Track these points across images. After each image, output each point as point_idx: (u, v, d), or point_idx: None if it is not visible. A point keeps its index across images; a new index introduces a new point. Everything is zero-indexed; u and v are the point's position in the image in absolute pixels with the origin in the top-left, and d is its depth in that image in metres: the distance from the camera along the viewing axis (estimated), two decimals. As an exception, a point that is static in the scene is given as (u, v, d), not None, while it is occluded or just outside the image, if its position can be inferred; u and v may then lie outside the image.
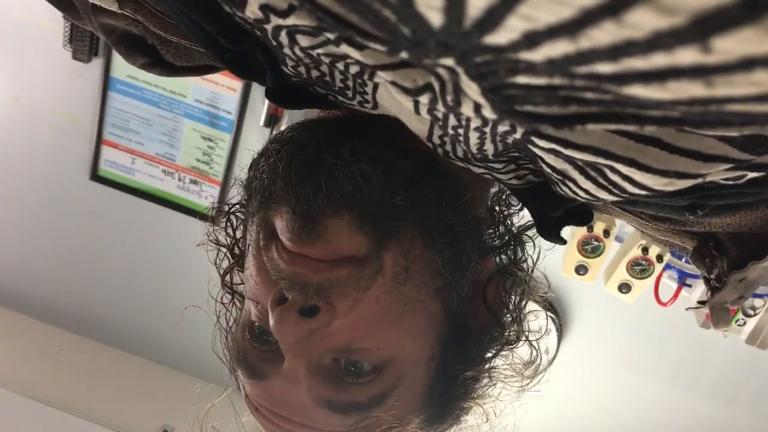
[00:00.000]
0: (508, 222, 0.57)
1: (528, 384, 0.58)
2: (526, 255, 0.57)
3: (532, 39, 0.23)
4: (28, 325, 2.42)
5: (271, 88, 0.46)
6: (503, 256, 0.56)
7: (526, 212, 0.58)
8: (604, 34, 0.21)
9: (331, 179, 0.43)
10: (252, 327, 0.50)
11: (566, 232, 0.50)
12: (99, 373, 2.38)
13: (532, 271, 0.57)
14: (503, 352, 0.55)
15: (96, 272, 2.37)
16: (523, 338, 0.56)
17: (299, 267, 0.44)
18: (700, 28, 0.19)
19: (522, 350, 0.57)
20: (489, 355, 0.54)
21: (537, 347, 0.57)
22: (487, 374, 0.54)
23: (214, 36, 0.43)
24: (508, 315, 0.54)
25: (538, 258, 0.57)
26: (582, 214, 0.47)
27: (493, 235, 0.56)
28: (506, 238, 0.56)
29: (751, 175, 0.35)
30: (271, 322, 0.45)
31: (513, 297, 0.55)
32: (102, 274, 2.37)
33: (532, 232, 0.57)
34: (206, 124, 2.06)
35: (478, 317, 0.52)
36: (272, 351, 0.49)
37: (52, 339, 2.40)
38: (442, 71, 0.31)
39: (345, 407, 0.48)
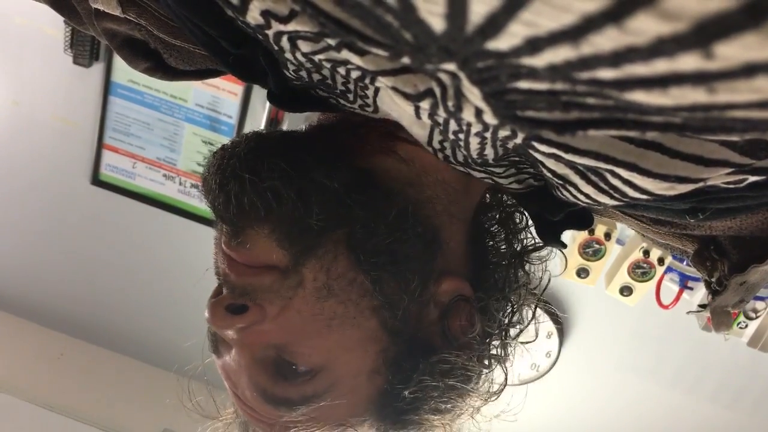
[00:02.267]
0: (512, 241, 0.56)
1: (484, 405, 0.57)
2: (525, 282, 0.57)
3: (534, 45, 0.23)
4: (30, 330, 2.42)
5: (273, 91, 0.47)
6: (498, 277, 0.55)
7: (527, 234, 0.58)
8: (606, 40, 0.21)
9: (241, 192, 0.44)
10: None
11: (567, 235, 0.50)
12: (100, 377, 2.37)
13: (522, 299, 0.56)
14: (459, 376, 0.53)
15: (97, 276, 2.37)
16: (483, 366, 0.54)
17: (227, 267, 0.47)
18: (703, 34, 0.19)
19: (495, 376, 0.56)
20: (442, 374, 0.52)
21: (492, 376, 0.56)
22: (441, 394, 0.53)
23: (217, 39, 0.44)
24: (472, 339, 0.53)
25: (538, 291, 0.57)
26: (582, 218, 0.47)
27: (499, 257, 0.55)
28: (503, 260, 0.56)
29: (752, 178, 0.35)
30: (205, 312, 0.48)
31: (478, 323, 0.53)
32: (103, 278, 2.37)
33: (536, 255, 0.57)
34: (207, 128, 2.07)
35: (435, 338, 0.52)
36: None
37: (53, 343, 2.40)
38: (443, 76, 0.31)
39: (276, 400, 0.50)
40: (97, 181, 2.18)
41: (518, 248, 0.57)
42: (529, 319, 0.58)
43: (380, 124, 0.46)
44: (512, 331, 0.57)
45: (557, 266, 1.57)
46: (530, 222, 0.56)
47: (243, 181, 0.45)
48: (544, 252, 0.57)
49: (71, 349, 2.41)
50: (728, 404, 2.13)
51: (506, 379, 0.57)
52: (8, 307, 2.44)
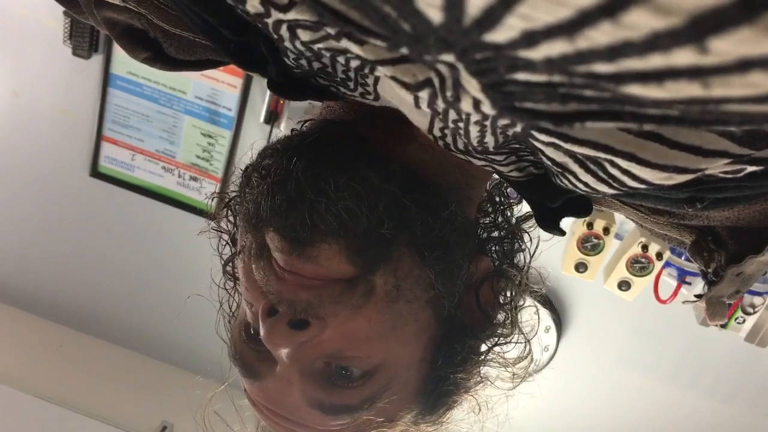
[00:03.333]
0: (506, 214, 0.57)
1: (520, 378, 0.59)
2: (523, 247, 0.58)
3: (530, 38, 0.23)
4: (28, 322, 2.43)
5: (273, 79, 0.47)
6: (497, 250, 0.56)
7: (520, 208, 0.59)
8: (601, 35, 0.21)
9: (315, 214, 0.44)
10: (248, 327, 0.51)
11: (566, 229, 0.51)
12: (99, 369, 2.38)
13: (527, 268, 0.57)
14: (495, 349, 0.56)
15: (96, 269, 2.38)
16: (515, 335, 0.57)
17: (288, 284, 0.45)
18: (697, 29, 0.19)
19: (517, 347, 0.57)
20: (482, 350, 0.55)
21: (529, 344, 0.58)
22: (478, 370, 0.55)
23: (217, 27, 0.44)
24: (501, 313, 0.55)
25: (533, 253, 0.58)
26: (581, 206, 0.47)
27: (490, 230, 0.56)
28: (503, 231, 0.57)
29: (750, 168, 0.36)
30: (262, 333, 0.46)
31: (506, 295, 0.55)
32: (102, 270, 2.37)
33: (529, 224, 0.58)
34: (206, 120, 2.07)
35: (471, 316, 0.53)
36: (267, 351, 0.49)
37: (52, 335, 2.41)
38: (441, 67, 0.31)
39: (336, 409, 0.49)
40: (96, 173, 2.18)
41: (511, 219, 0.57)
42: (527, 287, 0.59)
43: (393, 111, 0.46)
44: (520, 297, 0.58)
45: (557, 263, 1.57)
46: (518, 199, 0.57)
47: (314, 204, 0.44)
48: (533, 220, 0.58)
49: (70, 341, 2.41)
50: (726, 399, 2.14)
51: (530, 350, 0.59)
52: (7, 298, 2.44)
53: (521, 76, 0.27)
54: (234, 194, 0.56)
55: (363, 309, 0.45)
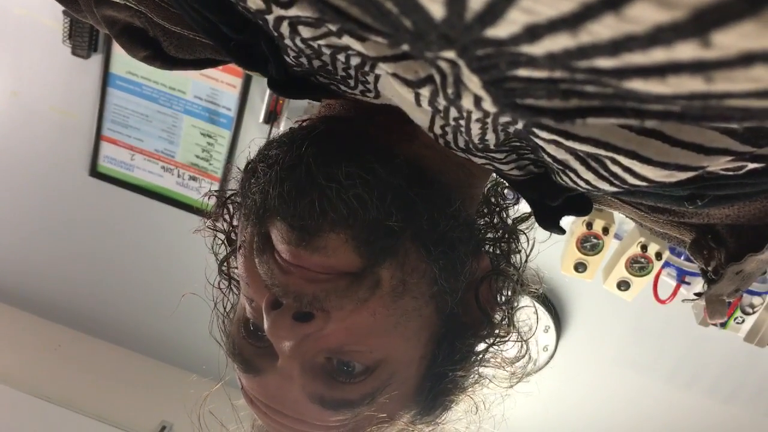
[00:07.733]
0: (503, 215, 0.57)
1: (517, 378, 0.59)
2: (519, 248, 0.58)
3: (533, 32, 0.23)
4: (27, 321, 2.43)
5: (273, 77, 0.46)
6: (497, 251, 0.56)
7: (518, 208, 0.59)
8: (604, 29, 0.21)
9: (324, 200, 0.43)
10: (247, 323, 0.51)
11: (566, 228, 0.51)
12: (98, 369, 2.38)
13: (524, 268, 0.57)
14: (493, 348, 0.55)
15: (95, 268, 2.38)
16: (513, 335, 0.57)
17: (294, 277, 0.44)
18: (701, 22, 0.19)
19: (514, 347, 0.57)
20: (479, 350, 0.55)
21: (526, 344, 0.58)
22: (476, 369, 0.55)
23: (217, 25, 0.43)
24: (499, 312, 0.55)
25: (529, 254, 0.58)
26: (581, 204, 0.47)
27: (487, 231, 0.56)
28: (500, 232, 0.57)
29: (751, 166, 0.36)
30: (266, 325, 0.45)
31: (504, 295, 0.55)
32: (101, 270, 2.37)
33: (526, 225, 0.58)
34: (206, 120, 2.07)
35: (470, 314, 0.53)
36: (267, 347, 0.49)
37: (51, 335, 2.41)
38: (443, 64, 0.31)
39: (337, 404, 0.48)
40: (95, 173, 2.18)
41: (507, 220, 0.57)
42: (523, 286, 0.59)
43: (393, 109, 0.46)
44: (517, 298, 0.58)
45: (556, 263, 1.57)
46: (514, 199, 0.57)
47: (325, 190, 0.43)
48: (529, 222, 0.58)
49: (69, 341, 2.41)
50: (725, 398, 2.14)
51: (528, 350, 0.58)
52: (6, 298, 2.44)
53: (523, 72, 0.27)
54: (232, 192, 0.56)
55: (368, 302, 0.45)
